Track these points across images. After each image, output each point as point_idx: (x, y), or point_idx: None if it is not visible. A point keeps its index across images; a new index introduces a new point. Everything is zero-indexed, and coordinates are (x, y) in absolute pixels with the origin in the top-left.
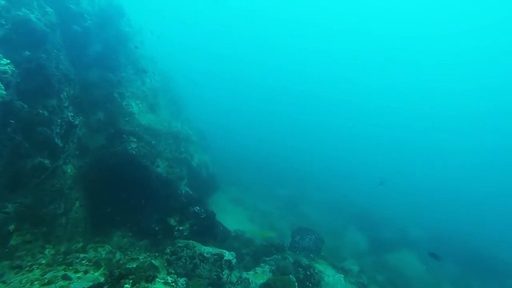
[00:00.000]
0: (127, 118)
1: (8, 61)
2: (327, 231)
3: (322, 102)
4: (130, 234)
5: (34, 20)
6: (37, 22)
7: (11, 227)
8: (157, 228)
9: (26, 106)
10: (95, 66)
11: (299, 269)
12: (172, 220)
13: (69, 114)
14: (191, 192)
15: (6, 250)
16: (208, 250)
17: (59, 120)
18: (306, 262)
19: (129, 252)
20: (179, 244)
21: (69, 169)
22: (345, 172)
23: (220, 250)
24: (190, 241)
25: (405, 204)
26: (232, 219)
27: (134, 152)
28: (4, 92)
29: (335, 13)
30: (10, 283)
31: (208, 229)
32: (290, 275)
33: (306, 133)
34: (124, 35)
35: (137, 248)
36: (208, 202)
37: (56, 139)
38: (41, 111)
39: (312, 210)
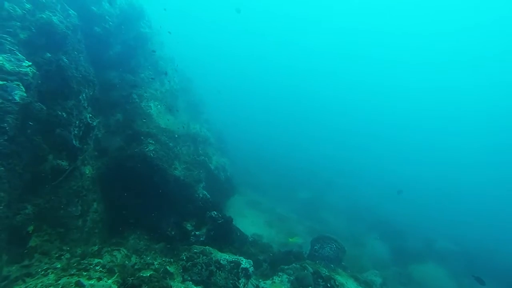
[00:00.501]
0: (145, 120)
1: (30, 63)
2: (347, 238)
3: (343, 104)
4: (146, 237)
5: (56, 22)
6: (58, 25)
7: (31, 228)
8: (173, 233)
9: (44, 108)
10: (115, 67)
11: (319, 280)
12: (189, 225)
13: (88, 116)
14: (208, 196)
15: (26, 251)
16: (224, 257)
17: (77, 122)
18: (326, 273)
19: (144, 256)
20: (195, 250)
21: (87, 170)
22: (366, 176)
23: (237, 257)
24: (207, 247)
25: (429, 211)
26: (249, 222)
27: (151, 154)
28: (25, 94)
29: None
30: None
31: (225, 235)
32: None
33: (326, 135)
34: (143, 36)
35: (153, 252)
36: (226, 205)
37: (74, 141)
38: (60, 113)
39: (331, 215)
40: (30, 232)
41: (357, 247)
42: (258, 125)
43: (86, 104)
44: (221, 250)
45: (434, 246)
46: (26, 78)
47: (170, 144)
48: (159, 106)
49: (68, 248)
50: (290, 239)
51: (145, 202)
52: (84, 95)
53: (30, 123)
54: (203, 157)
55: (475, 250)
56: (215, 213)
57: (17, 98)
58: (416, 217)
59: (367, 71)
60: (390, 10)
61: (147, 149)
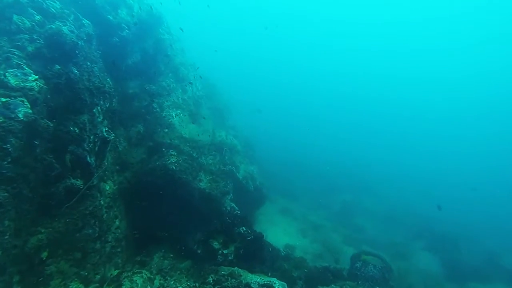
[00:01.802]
0: (166, 130)
1: (36, 76)
2: (387, 247)
3: (376, 102)
4: (171, 255)
5: (66, 32)
6: (68, 34)
7: (45, 254)
8: (199, 251)
9: (51, 124)
10: (134, 76)
11: None
12: (216, 243)
13: (104, 129)
14: (236, 208)
15: (41, 279)
16: (255, 279)
17: (92, 137)
18: None
19: (168, 278)
20: (222, 272)
21: (107, 186)
22: (408, 177)
23: (269, 279)
24: (235, 268)
25: (487, 218)
26: (281, 231)
27: (173, 167)
28: (30, 111)
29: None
30: None
31: (255, 253)
32: None
33: (364, 137)
34: (163, 42)
35: (178, 272)
36: (256, 215)
37: (88, 158)
38: (72, 128)
39: (367, 221)
40: (44, 258)
41: (401, 259)
42: (289, 128)
43: (101, 118)
44: (251, 270)
45: (501, 262)
46: (31, 93)
47: (194, 154)
48: (181, 114)
49: (86, 274)
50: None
51: (170, 217)
52: (99, 108)
53: (36, 142)
54: (230, 167)
55: None
56: (244, 229)
57: (20, 115)
58: (471, 225)
59: (403, 68)
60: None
61: (168, 162)
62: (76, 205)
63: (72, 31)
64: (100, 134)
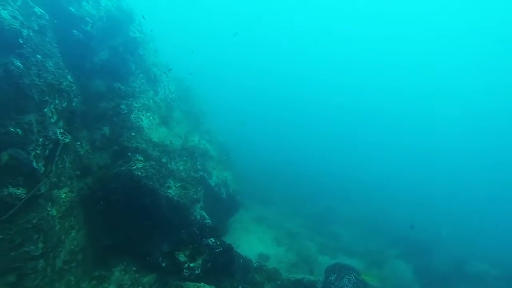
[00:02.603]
0: (134, 133)
1: None
2: (363, 255)
3: (355, 110)
4: (134, 268)
5: (5, 17)
6: (7, 20)
7: None
8: (164, 264)
9: None
10: (102, 75)
11: None
12: (182, 255)
13: (58, 131)
14: (207, 217)
15: None
16: None
17: (41, 139)
18: None
19: None
20: None
21: (63, 193)
22: (383, 186)
23: None
24: (201, 283)
25: (457, 225)
26: (255, 239)
27: (139, 173)
28: None
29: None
30: None
31: (224, 266)
32: None
33: (339, 143)
34: (134, 41)
35: None
36: (230, 223)
37: (35, 163)
38: (12, 129)
39: (344, 229)
40: None
41: (375, 268)
42: (268, 135)
43: (56, 118)
44: (219, 285)
45: (468, 268)
46: None
47: (163, 159)
48: (151, 117)
49: None
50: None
51: (135, 226)
52: (52, 107)
53: None
54: (201, 173)
55: None
56: (213, 240)
57: None
58: (441, 230)
59: (381, 76)
60: (398, 12)
61: (134, 167)
62: (14, 218)
63: (15, 17)
64: (53, 137)
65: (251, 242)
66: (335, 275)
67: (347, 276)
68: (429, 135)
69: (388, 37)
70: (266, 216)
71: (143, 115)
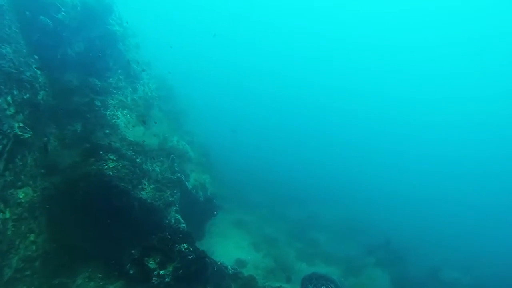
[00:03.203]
0: (108, 131)
1: None
2: (341, 262)
3: (339, 111)
4: (100, 275)
5: None
6: None
7: None
8: (131, 272)
9: None
10: (76, 68)
11: None
12: (152, 262)
13: (16, 125)
14: (181, 221)
15: None
16: None
17: None
18: None
19: None
20: None
21: (22, 194)
22: (363, 190)
23: None
24: None
25: (435, 232)
26: (233, 244)
27: (111, 173)
28: None
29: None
30: None
31: (196, 274)
32: None
33: (322, 147)
34: (113, 35)
35: None
36: (207, 227)
37: None
38: None
39: (323, 235)
40: None
41: (352, 275)
42: (250, 138)
43: (13, 111)
44: None
45: (440, 276)
46: None
47: (138, 160)
48: (128, 115)
49: None
50: None
51: (103, 230)
52: (9, 99)
53: None
54: (179, 175)
55: (488, 282)
56: (186, 246)
57: None
58: (420, 238)
59: (368, 78)
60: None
61: (105, 167)
62: None
63: None
64: (9, 131)
65: (229, 247)
66: (312, 286)
67: (323, 286)
68: (411, 141)
69: (374, 41)
70: (245, 220)
71: (119, 113)
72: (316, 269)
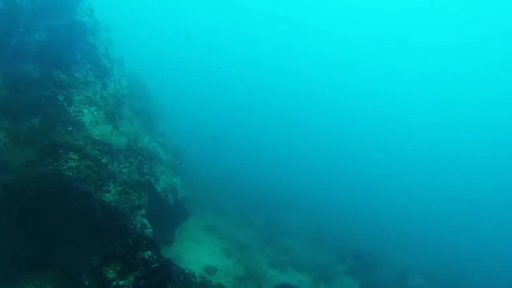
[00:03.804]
0: (70, 128)
1: None
2: (312, 269)
3: (310, 120)
4: (49, 287)
5: None
6: None
7: None
8: (87, 283)
9: None
10: (37, 59)
11: None
12: (111, 271)
13: None
14: (148, 226)
15: None
16: None
17: None
18: None
19: None
20: None
21: None
22: (334, 198)
23: None
24: None
25: (403, 237)
26: (203, 250)
27: (71, 173)
28: None
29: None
30: None
31: (160, 284)
32: None
33: (294, 156)
34: (81, 26)
35: None
36: (177, 232)
37: None
38: None
39: (295, 241)
40: None
41: (324, 283)
42: (225, 141)
43: None
44: None
45: (407, 283)
46: None
47: (104, 160)
48: (96, 112)
49: None
50: None
51: (59, 236)
52: None
53: None
54: (148, 177)
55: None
56: (149, 253)
57: None
58: (388, 245)
59: (345, 77)
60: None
61: (65, 167)
62: None
63: None
64: None
65: (199, 253)
66: None
67: None
68: (379, 148)
69: (372, 38)
70: (217, 225)
71: (85, 109)
72: (288, 276)
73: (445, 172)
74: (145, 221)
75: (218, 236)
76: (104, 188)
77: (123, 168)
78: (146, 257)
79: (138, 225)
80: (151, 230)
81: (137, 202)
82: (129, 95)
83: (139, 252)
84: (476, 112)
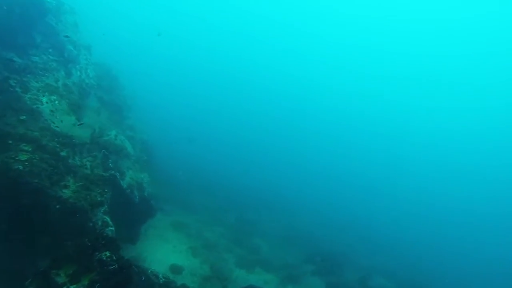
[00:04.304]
0: (24, 117)
1: None
2: (280, 269)
3: (283, 117)
4: None
5: None
6: None
7: None
8: None
9: None
10: None
11: None
12: (62, 274)
13: None
14: (110, 224)
15: None
16: None
17: None
18: None
19: None
20: None
21: None
22: (306, 197)
23: None
24: None
25: (367, 239)
26: (170, 249)
27: (21, 167)
28: None
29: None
30: None
31: (118, 287)
32: None
33: (264, 154)
34: (40, 5)
35: None
36: (143, 229)
37: None
38: None
39: (264, 241)
40: None
41: (291, 283)
42: (198, 137)
43: None
44: None
45: (369, 283)
46: None
47: (63, 153)
48: (57, 102)
49: None
50: None
51: (6, 236)
52: None
53: None
54: (112, 172)
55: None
56: (108, 254)
57: None
58: (353, 245)
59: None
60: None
61: (15, 159)
62: None
63: None
64: None
65: (166, 251)
66: None
67: None
68: (348, 149)
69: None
70: (186, 223)
71: (44, 98)
72: (255, 276)
73: (407, 173)
74: (107, 218)
75: (186, 234)
76: (62, 183)
77: (86, 162)
78: (104, 258)
79: (99, 223)
80: (113, 228)
81: (99, 199)
82: (97, 85)
83: (96, 253)
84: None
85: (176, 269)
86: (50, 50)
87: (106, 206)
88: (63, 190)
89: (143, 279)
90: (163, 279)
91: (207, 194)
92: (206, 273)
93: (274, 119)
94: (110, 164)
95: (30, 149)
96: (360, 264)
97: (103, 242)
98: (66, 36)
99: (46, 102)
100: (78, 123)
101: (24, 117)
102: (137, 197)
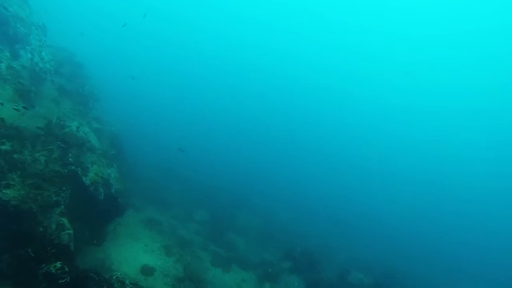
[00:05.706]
0: None
1: None
2: (257, 267)
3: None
4: None
5: None
6: None
7: None
8: None
9: None
10: None
11: None
12: None
13: None
14: (67, 227)
15: None
16: None
17: None
18: None
19: None
20: None
21: None
22: (283, 194)
23: None
24: None
25: (344, 235)
26: (141, 248)
27: None
28: None
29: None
30: None
31: None
32: None
33: (241, 151)
34: None
35: None
36: (109, 228)
37: None
38: None
39: (240, 237)
40: None
41: (268, 281)
42: (171, 130)
43: None
44: None
45: (347, 279)
46: None
47: (4, 147)
48: (0, 88)
49: None
50: None
51: None
52: None
53: None
54: (73, 167)
55: (387, 280)
56: (58, 265)
57: None
58: (332, 241)
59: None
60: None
61: None
62: None
63: None
64: None
65: (136, 251)
66: None
67: None
68: (320, 146)
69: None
70: (158, 220)
71: None
72: (232, 274)
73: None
74: (64, 220)
75: (158, 232)
76: (4, 182)
77: (40, 156)
78: (53, 271)
79: (53, 227)
80: (70, 231)
81: (54, 198)
82: (55, 71)
83: (43, 265)
84: None
85: (147, 270)
86: None
87: (63, 206)
88: (4, 191)
89: (105, 287)
90: (130, 286)
91: (181, 190)
92: (180, 273)
93: (253, 115)
94: (70, 159)
95: None
96: (339, 260)
97: (53, 250)
98: (5, 8)
99: None
100: (27, 111)
101: None
102: (103, 194)
